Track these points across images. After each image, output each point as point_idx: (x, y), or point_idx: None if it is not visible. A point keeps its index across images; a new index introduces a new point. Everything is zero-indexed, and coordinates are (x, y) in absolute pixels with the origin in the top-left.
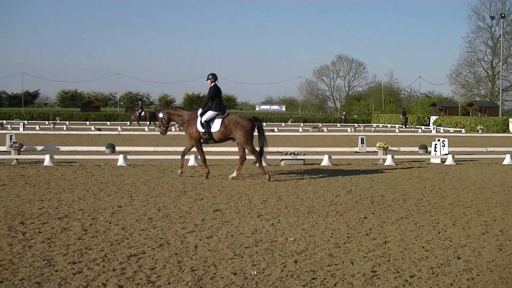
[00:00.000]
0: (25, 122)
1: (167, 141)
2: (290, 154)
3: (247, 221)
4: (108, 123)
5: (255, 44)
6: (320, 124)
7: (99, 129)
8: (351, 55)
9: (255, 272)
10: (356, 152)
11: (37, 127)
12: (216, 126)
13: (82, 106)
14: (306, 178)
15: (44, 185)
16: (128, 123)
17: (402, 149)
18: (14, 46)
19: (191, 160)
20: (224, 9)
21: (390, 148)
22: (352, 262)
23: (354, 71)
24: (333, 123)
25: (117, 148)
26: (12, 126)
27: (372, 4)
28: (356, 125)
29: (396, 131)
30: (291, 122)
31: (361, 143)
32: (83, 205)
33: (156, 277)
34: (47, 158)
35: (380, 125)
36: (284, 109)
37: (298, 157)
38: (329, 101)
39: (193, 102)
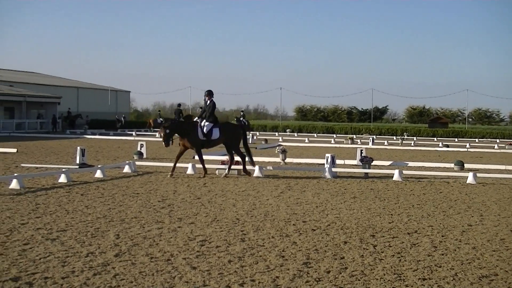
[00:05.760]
0: (374, 137)
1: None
2: None
3: None
4: (456, 139)
5: None
6: None
7: (447, 146)
8: None
9: None
10: None
11: (385, 142)
12: (216, 134)
13: (430, 122)
14: None
15: (393, 200)
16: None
17: None
18: (364, 64)
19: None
20: None
21: None
22: None
23: None
24: None
25: (466, 166)
26: (362, 140)
27: None
28: None
29: None
30: None
31: None
32: (432, 222)
33: None
34: (396, 172)
35: None
36: None
37: None
38: None
39: None
